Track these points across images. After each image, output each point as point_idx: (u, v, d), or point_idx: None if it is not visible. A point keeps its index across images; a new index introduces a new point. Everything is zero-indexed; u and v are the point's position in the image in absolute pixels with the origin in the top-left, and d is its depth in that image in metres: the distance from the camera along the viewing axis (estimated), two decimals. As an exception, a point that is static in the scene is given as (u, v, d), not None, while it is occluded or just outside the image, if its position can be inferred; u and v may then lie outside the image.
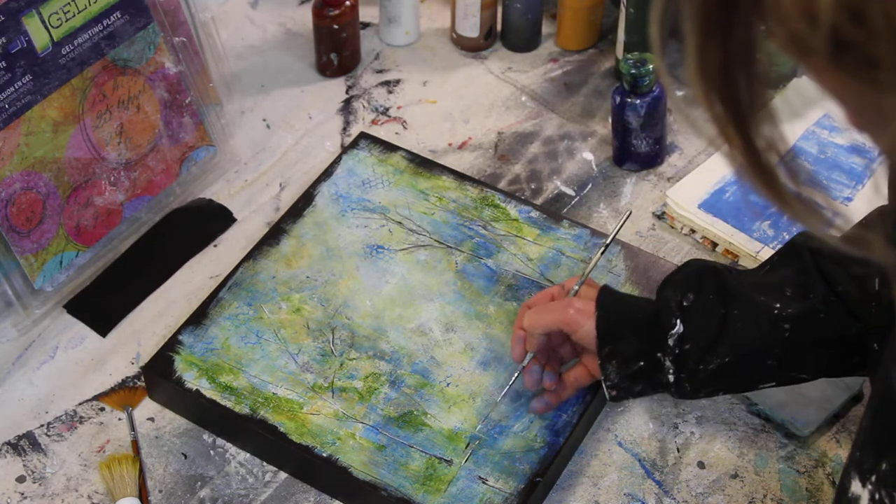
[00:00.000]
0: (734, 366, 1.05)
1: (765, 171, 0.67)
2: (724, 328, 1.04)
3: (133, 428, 1.18)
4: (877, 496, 0.87)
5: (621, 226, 1.18)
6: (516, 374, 1.13)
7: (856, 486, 0.89)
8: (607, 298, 1.09)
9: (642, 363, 1.07)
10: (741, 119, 0.66)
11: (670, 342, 1.05)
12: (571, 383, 1.14)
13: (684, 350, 1.05)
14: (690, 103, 0.67)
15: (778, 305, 1.03)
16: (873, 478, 0.87)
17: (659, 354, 1.06)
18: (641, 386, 1.08)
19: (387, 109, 1.48)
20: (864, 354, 1.05)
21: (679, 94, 1.50)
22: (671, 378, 1.06)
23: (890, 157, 0.65)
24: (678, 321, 1.04)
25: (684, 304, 1.05)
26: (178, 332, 1.21)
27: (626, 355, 1.07)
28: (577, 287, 1.13)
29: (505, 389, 1.14)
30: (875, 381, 0.92)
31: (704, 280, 1.06)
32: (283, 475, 1.15)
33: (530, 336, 1.11)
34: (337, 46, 1.50)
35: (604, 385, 1.09)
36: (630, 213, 1.20)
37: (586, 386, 1.14)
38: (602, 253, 1.16)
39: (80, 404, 1.21)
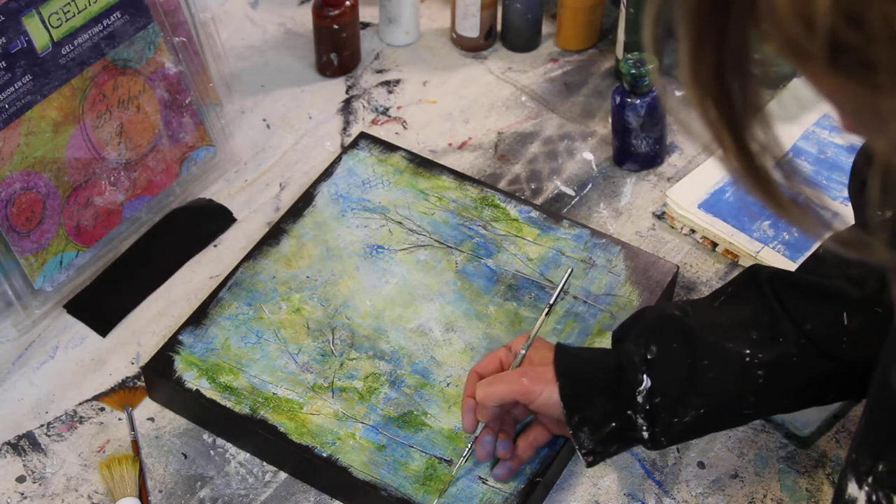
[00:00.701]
0: (710, 415, 1.02)
1: (760, 175, 0.66)
2: (693, 378, 1.00)
3: (133, 428, 1.18)
4: (874, 497, 0.87)
5: (565, 282, 1.13)
6: (470, 445, 1.09)
7: (853, 488, 0.89)
8: (565, 362, 1.04)
9: (614, 424, 1.02)
10: (735, 123, 0.65)
11: (639, 398, 1.01)
12: (530, 443, 1.10)
13: (654, 404, 1.01)
14: (685, 106, 0.67)
15: (748, 352, 1.00)
16: (870, 479, 0.87)
17: (629, 412, 1.02)
18: (616, 446, 1.05)
19: (387, 109, 1.49)
20: (839, 391, 1.04)
21: (677, 94, 1.50)
22: (646, 434, 1.02)
23: (886, 160, 0.64)
24: (644, 376, 1.01)
25: (648, 357, 1.01)
26: (178, 332, 1.21)
27: (596, 420, 1.02)
28: (523, 352, 1.09)
29: (459, 463, 1.10)
30: (871, 384, 0.92)
31: (665, 329, 1.02)
32: (283, 475, 1.15)
33: (483, 408, 1.06)
34: (337, 46, 1.50)
35: (579, 453, 1.05)
36: (572, 270, 1.16)
37: (545, 444, 1.11)
38: (546, 314, 1.11)
39: (80, 404, 1.21)
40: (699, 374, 1.00)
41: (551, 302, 1.13)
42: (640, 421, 1.02)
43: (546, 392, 1.04)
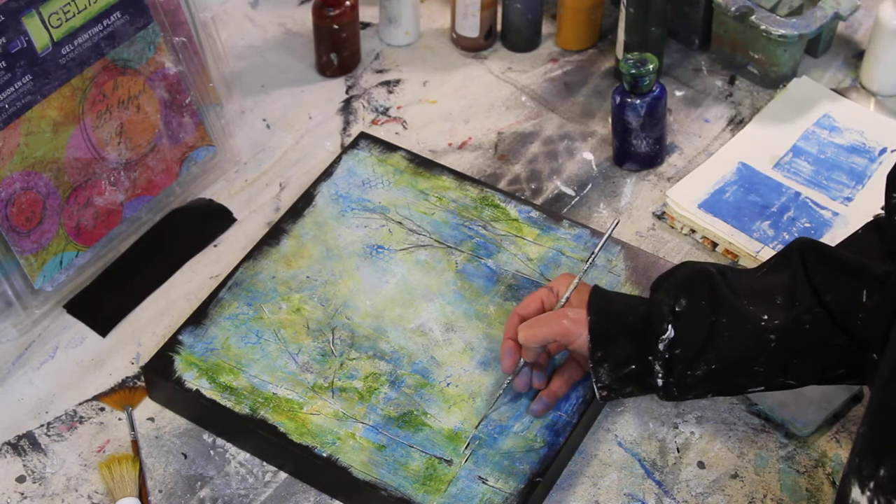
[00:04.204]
0: (721, 372, 1.05)
1: None
2: (712, 336, 1.04)
3: (133, 428, 1.18)
4: (875, 503, 0.87)
5: (610, 233, 1.17)
6: (507, 382, 1.13)
7: (856, 493, 0.89)
8: (599, 302, 1.09)
9: (633, 366, 1.07)
10: None
11: (661, 347, 1.05)
12: (564, 380, 1.15)
13: (674, 355, 1.05)
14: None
15: (766, 316, 1.04)
16: (872, 484, 0.87)
17: (650, 358, 1.06)
18: (631, 388, 1.09)
19: (387, 109, 1.48)
20: (850, 367, 1.05)
21: (677, 94, 1.50)
22: (660, 382, 1.07)
23: None
24: (669, 326, 1.05)
25: (676, 309, 1.05)
26: (178, 332, 1.21)
27: (617, 359, 1.07)
28: (567, 295, 1.13)
29: (496, 398, 1.14)
30: (874, 388, 0.92)
31: (696, 285, 1.06)
32: (283, 475, 1.15)
33: (526, 349, 1.12)
34: (337, 46, 1.50)
35: (595, 386, 1.09)
36: (618, 221, 1.19)
37: (579, 380, 1.15)
38: (591, 260, 1.16)
39: (80, 404, 1.21)
40: (718, 331, 1.04)
41: (596, 250, 1.17)
42: (658, 368, 1.06)
43: (584, 335, 1.08)
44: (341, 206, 1.32)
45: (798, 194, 1.36)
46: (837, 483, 1.14)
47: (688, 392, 1.07)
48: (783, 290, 1.05)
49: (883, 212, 1.03)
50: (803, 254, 1.05)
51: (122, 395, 1.21)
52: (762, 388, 1.07)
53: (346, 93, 1.51)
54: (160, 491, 1.14)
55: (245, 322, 1.22)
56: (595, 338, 1.07)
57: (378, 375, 1.18)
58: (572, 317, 1.09)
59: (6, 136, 1.18)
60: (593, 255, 1.16)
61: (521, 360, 1.13)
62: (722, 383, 1.07)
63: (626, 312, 1.08)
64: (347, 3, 1.47)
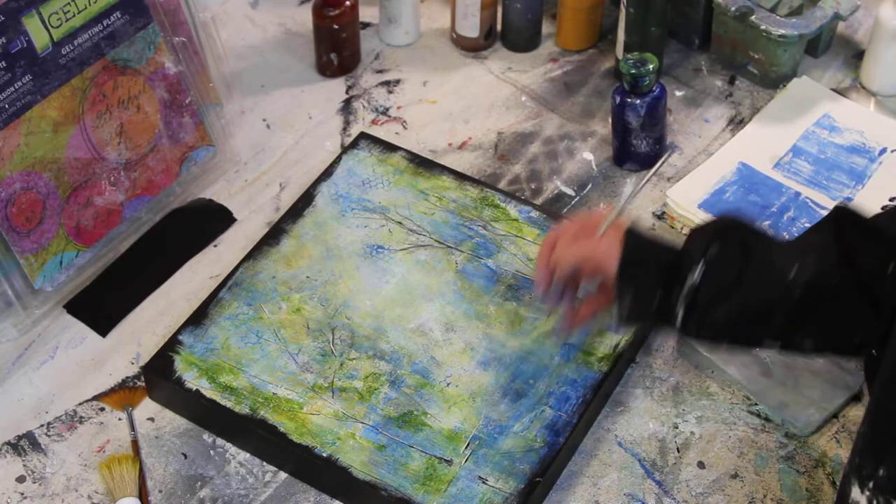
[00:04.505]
0: (741, 318, 1.06)
1: None
2: (737, 283, 1.05)
3: (133, 428, 1.18)
4: (874, 502, 0.87)
5: (661, 164, 1.19)
6: (539, 302, 1.18)
7: (855, 492, 0.89)
8: (634, 235, 1.11)
9: (656, 302, 1.08)
10: None
11: (685, 288, 1.06)
12: (592, 307, 1.16)
13: (697, 297, 1.06)
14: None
15: (794, 269, 1.05)
16: (871, 484, 0.87)
17: (673, 296, 1.07)
18: (650, 321, 1.11)
19: (387, 109, 1.49)
20: (866, 335, 1.05)
21: (677, 94, 1.50)
22: (679, 321, 1.08)
23: None
24: (698, 269, 1.06)
25: (707, 254, 1.06)
26: (178, 332, 1.21)
27: (641, 293, 1.09)
28: (607, 224, 1.13)
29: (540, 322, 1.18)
30: (874, 388, 0.92)
31: (731, 235, 1.07)
32: (283, 475, 1.15)
33: (561, 267, 1.13)
34: (337, 46, 1.50)
35: (615, 314, 1.10)
36: (671, 152, 1.20)
37: (604, 310, 1.16)
38: (634, 194, 1.16)
39: (80, 404, 1.21)
40: (744, 278, 1.05)
41: (644, 181, 1.18)
42: (679, 307, 1.07)
43: (615, 264, 1.09)
44: (341, 206, 1.32)
45: (798, 194, 1.36)
46: (837, 483, 1.14)
47: (705, 333, 1.08)
48: (815, 249, 1.06)
49: None
50: (839, 218, 1.07)
51: (122, 395, 1.21)
52: (778, 343, 1.07)
53: (346, 93, 1.51)
54: (160, 491, 1.14)
55: (245, 322, 1.22)
56: (624, 267, 1.08)
57: (378, 375, 1.18)
58: (606, 244, 1.11)
59: (6, 136, 1.18)
60: (641, 187, 1.17)
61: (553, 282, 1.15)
62: (741, 330, 1.07)
63: (658, 249, 1.10)
64: (347, 3, 1.47)
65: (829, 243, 1.04)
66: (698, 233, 1.09)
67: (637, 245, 1.10)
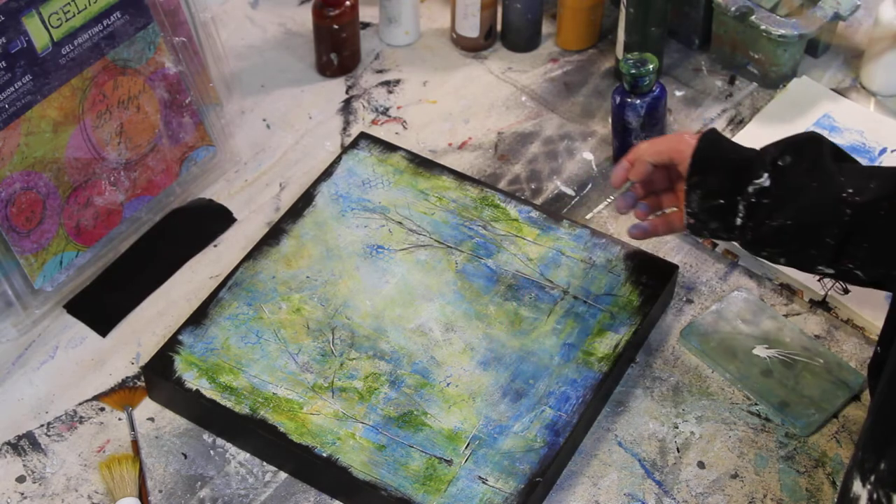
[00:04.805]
0: (794, 230, 1.08)
1: None
2: (798, 194, 1.07)
3: (133, 428, 1.18)
4: (874, 496, 0.87)
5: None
6: (611, 198, 1.21)
7: (857, 486, 0.89)
8: (712, 135, 1.13)
9: (722, 201, 1.11)
10: None
11: (751, 190, 1.09)
12: (665, 222, 1.20)
13: (760, 201, 1.08)
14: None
15: (850, 190, 1.06)
16: (872, 478, 0.88)
17: (738, 197, 1.10)
18: (715, 224, 1.12)
19: (387, 109, 1.49)
20: None
21: (677, 94, 1.50)
22: (739, 221, 1.10)
23: None
24: (766, 174, 1.08)
25: (779, 162, 1.09)
26: (178, 332, 1.21)
27: (709, 188, 1.11)
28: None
29: (602, 205, 1.26)
30: (881, 383, 0.92)
31: (805, 149, 1.09)
32: (283, 475, 1.15)
33: (639, 162, 1.17)
34: (337, 46, 1.50)
35: (685, 212, 1.13)
36: None
37: (677, 231, 1.21)
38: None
39: (80, 404, 1.21)
40: (804, 192, 1.07)
41: None
42: (742, 209, 1.10)
43: (690, 157, 1.13)
44: (341, 206, 1.32)
45: (798, 194, 1.36)
46: (838, 483, 1.14)
47: (762, 243, 1.10)
48: (880, 176, 1.07)
49: None
50: None
51: (122, 395, 1.21)
52: (832, 270, 1.09)
53: (346, 93, 1.51)
54: (160, 491, 1.14)
55: (245, 322, 1.22)
56: (696, 161, 1.11)
57: (378, 375, 1.18)
58: (686, 139, 1.14)
59: (6, 136, 1.18)
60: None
61: (630, 182, 1.19)
62: (794, 246, 1.09)
63: (732, 150, 1.12)
64: (347, 3, 1.47)
65: (888, 175, 1.07)
66: (777, 142, 1.11)
67: (713, 143, 1.13)
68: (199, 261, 1.33)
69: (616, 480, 1.15)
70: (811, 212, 1.07)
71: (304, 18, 1.59)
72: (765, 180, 1.08)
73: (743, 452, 1.17)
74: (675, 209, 1.21)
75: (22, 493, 1.14)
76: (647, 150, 1.17)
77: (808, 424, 1.17)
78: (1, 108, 1.17)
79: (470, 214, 1.31)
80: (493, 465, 1.12)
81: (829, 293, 1.27)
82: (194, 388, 1.17)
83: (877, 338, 1.24)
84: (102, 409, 1.20)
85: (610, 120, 1.42)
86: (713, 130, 1.14)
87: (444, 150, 1.44)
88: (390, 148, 1.38)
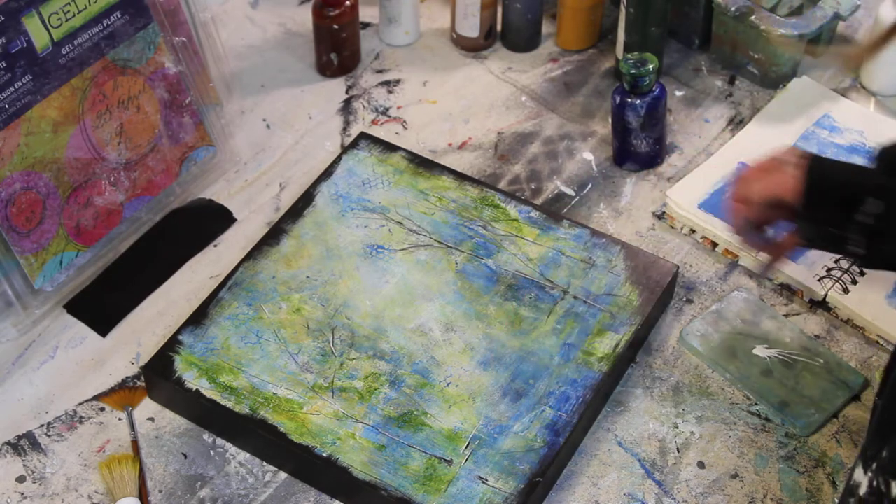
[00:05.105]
0: None
1: None
2: None
3: (133, 428, 1.18)
4: (874, 483, 0.88)
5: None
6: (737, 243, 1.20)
7: (858, 473, 0.91)
8: (815, 164, 1.11)
9: (834, 230, 1.09)
10: None
11: (863, 218, 1.07)
12: (791, 240, 1.17)
13: (875, 226, 1.07)
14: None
15: None
16: (874, 465, 0.89)
17: (851, 224, 1.08)
18: (831, 246, 1.12)
19: (387, 109, 1.49)
20: None
21: (677, 94, 1.50)
22: (854, 246, 1.09)
23: None
24: (876, 199, 1.07)
25: (890, 184, 1.07)
26: (178, 332, 1.21)
27: (822, 219, 1.10)
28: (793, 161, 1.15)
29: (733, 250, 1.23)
30: (893, 374, 0.94)
31: None
32: (283, 475, 1.15)
33: (752, 206, 1.14)
34: (337, 46, 1.50)
35: (798, 238, 1.12)
36: None
37: (799, 243, 1.18)
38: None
39: (80, 404, 1.21)
40: None
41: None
42: (856, 234, 1.08)
43: (799, 189, 1.11)
44: (341, 206, 1.32)
45: (798, 194, 1.36)
46: (838, 483, 1.14)
47: (878, 263, 1.10)
48: None
49: None
50: None
51: (122, 395, 1.21)
52: None
53: (346, 93, 1.51)
54: (160, 491, 1.14)
55: (245, 322, 1.22)
56: (806, 196, 1.09)
57: (378, 375, 1.18)
58: (789, 171, 1.12)
59: (6, 136, 1.18)
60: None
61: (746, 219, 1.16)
62: None
63: (841, 176, 1.11)
64: (347, 3, 1.47)
65: None
66: (879, 159, 1.12)
67: (819, 173, 1.11)
68: (199, 261, 1.33)
69: (616, 480, 1.15)
70: None
71: (304, 18, 1.59)
72: (877, 206, 1.07)
73: (743, 452, 1.17)
74: (784, 234, 1.20)
75: (22, 493, 1.14)
76: (755, 192, 1.14)
77: (808, 424, 1.17)
78: (1, 108, 1.17)
79: (470, 214, 1.31)
80: (493, 465, 1.12)
81: (828, 293, 1.27)
82: (194, 388, 1.17)
83: (877, 338, 1.25)
84: (102, 409, 1.20)
85: (610, 120, 1.42)
86: (815, 158, 1.12)
87: (444, 150, 1.44)
88: (390, 148, 1.38)
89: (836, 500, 1.13)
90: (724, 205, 1.17)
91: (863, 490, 0.90)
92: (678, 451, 1.17)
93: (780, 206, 1.14)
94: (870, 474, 0.89)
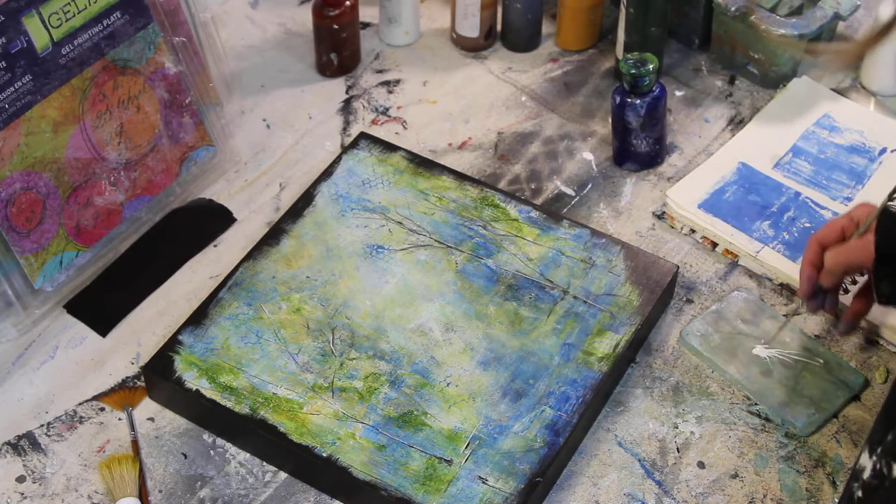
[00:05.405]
0: None
1: None
2: None
3: (133, 428, 1.18)
4: (877, 466, 0.89)
5: None
6: (801, 306, 1.21)
7: (864, 458, 0.91)
8: (886, 223, 1.11)
9: None
10: None
11: None
12: (864, 301, 1.19)
13: None
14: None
15: None
16: (879, 449, 0.89)
17: None
18: None
19: (387, 109, 1.49)
20: None
21: (677, 94, 1.51)
22: None
23: None
24: None
25: None
26: (178, 332, 1.21)
27: None
28: (868, 223, 1.14)
29: (781, 326, 1.22)
30: None
31: None
32: (283, 475, 1.15)
33: (829, 274, 1.15)
34: (337, 46, 1.50)
35: (875, 294, 1.12)
36: None
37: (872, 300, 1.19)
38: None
39: (80, 404, 1.21)
40: None
41: None
42: None
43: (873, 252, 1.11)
44: (341, 206, 1.32)
45: (798, 194, 1.36)
46: (838, 483, 1.14)
47: None
48: None
49: None
50: None
51: (122, 395, 1.21)
52: None
53: (346, 93, 1.51)
54: (160, 491, 1.14)
55: (245, 322, 1.22)
56: (879, 258, 1.09)
57: (378, 375, 1.18)
58: (866, 238, 1.12)
59: (6, 136, 1.18)
60: None
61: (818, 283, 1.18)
62: None
63: None
64: (347, 3, 1.47)
65: None
66: None
67: (891, 233, 1.10)
68: (199, 261, 1.33)
69: (616, 480, 1.15)
70: None
71: (304, 18, 1.59)
72: None
73: (743, 452, 1.17)
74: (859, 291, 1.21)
75: (22, 493, 1.14)
76: (837, 262, 1.15)
77: (808, 424, 1.17)
78: (1, 108, 1.17)
79: (470, 214, 1.31)
80: (493, 465, 1.12)
81: (829, 293, 1.27)
82: (194, 388, 1.17)
83: (877, 338, 1.25)
84: (102, 409, 1.20)
85: (610, 120, 1.42)
86: (887, 216, 1.12)
87: (444, 150, 1.44)
88: (390, 148, 1.38)
89: (836, 500, 1.13)
90: (790, 259, 1.20)
91: (867, 474, 0.91)
92: (678, 451, 1.17)
93: (855, 270, 1.16)
94: (874, 458, 0.90)
